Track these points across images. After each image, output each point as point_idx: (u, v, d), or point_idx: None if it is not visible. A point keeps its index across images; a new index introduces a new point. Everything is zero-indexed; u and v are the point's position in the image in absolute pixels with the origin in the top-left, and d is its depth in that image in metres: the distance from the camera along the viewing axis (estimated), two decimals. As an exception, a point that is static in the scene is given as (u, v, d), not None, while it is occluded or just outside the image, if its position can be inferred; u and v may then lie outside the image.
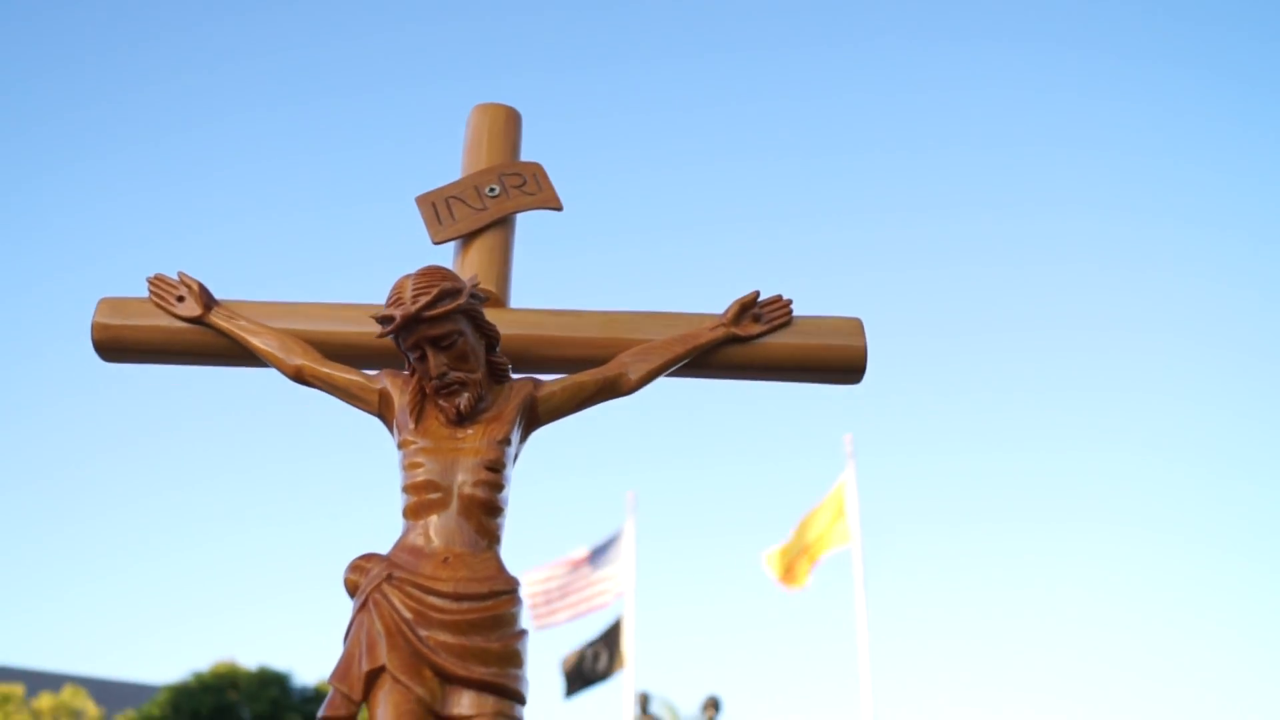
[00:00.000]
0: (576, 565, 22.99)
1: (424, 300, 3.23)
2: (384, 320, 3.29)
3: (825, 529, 20.98)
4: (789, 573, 21.28)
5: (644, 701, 23.42)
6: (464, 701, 3.00)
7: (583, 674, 23.73)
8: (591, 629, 23.60)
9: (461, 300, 3.28)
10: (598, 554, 23.20)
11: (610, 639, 23.61)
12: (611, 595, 22.87)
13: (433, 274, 3.31)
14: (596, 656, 23.61)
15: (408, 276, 3.31)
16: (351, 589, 3.21)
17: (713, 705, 22.79)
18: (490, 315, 3.65)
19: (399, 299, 3.27)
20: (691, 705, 27.88)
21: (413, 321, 3.25)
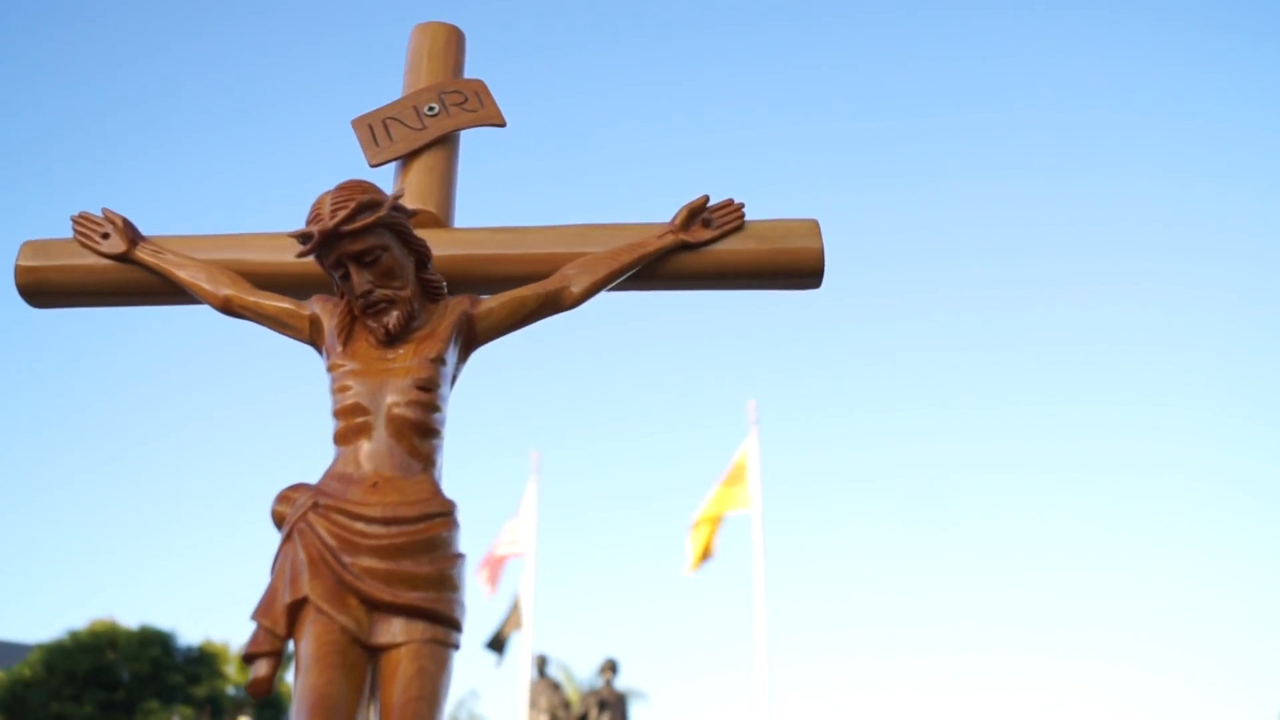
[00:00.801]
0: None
1: (342, 214, 3.06)
2: (303, 238, 3.11)
3: (724, 493, 20.83)
4: (699, 548, 21.13)
5: (541, 664, 23.47)
6: (393, 628, 2.82)
7: (499, 638, 23.77)
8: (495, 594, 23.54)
9: (382, 213, 3.10)
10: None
11: (512, 601, 23.58)
12: (519, 547, 22.80)
13: (351, 188, 3.13)
14: (505, 617, 23.64)
15: (327, 193, 3.14)
16: (278, 520, 3.05)
17: (610, 668, 22.86)
18: (430, 235, 3.48)
19: (318, 215, 3.10)
20: (589, 668, 27.84)
21: (331, 237, 3.08)
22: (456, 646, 2.89)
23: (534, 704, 22.80)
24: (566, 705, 23.14)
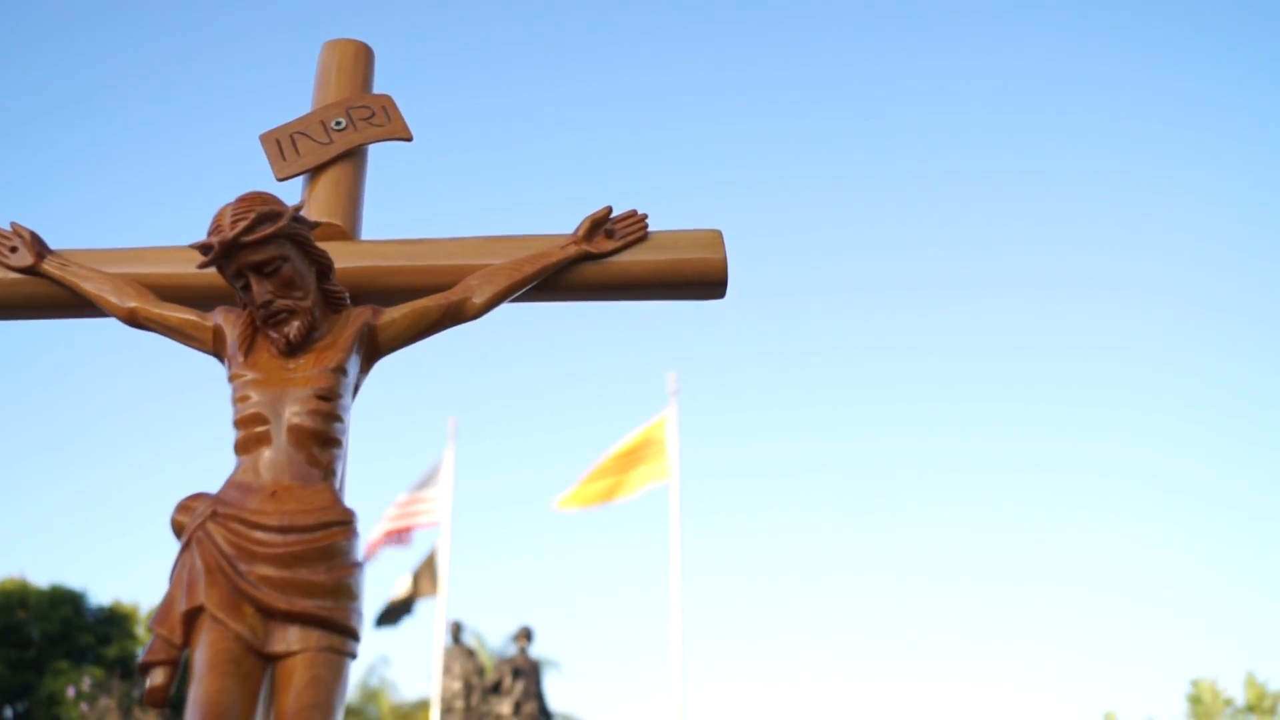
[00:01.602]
0: (404, 503, 22.84)
1: (242, 225, 3.09)
2: (203, 249, 3.14)
3: (638, 465, 20.84)
4: (576, 495, 21.08)
5: (456, 630, 23.43)
6: (289, 637, 2.83)
7: (402, 602, 23.74)
8: (408, 559, 23.45)
9: (281, 223, 3.13)
10: (419, 482, 23.06)
11: (423, 566, 23.54)
12: (434, 516, 22.75)
13: (252, 199, 3.16)
14: (413, 582, 23.61)
15: (228, 204, 3.17)
16: (178, 530, 3.05)
17: (525, 635, 22.96)
18: (335, 248, 3.51)
19: (218, 226, 3.13)
20: (504, 635, 27.79)
21: (231, 248, 3.10)
22: (353, 655, 2.90)
23: (448, 670, 22.75)
24: (480, 672, 23.12)
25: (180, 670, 2.88)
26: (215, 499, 3.01)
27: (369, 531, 21.98)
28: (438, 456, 23.34)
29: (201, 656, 2.78)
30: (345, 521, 3.01)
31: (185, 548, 2.97)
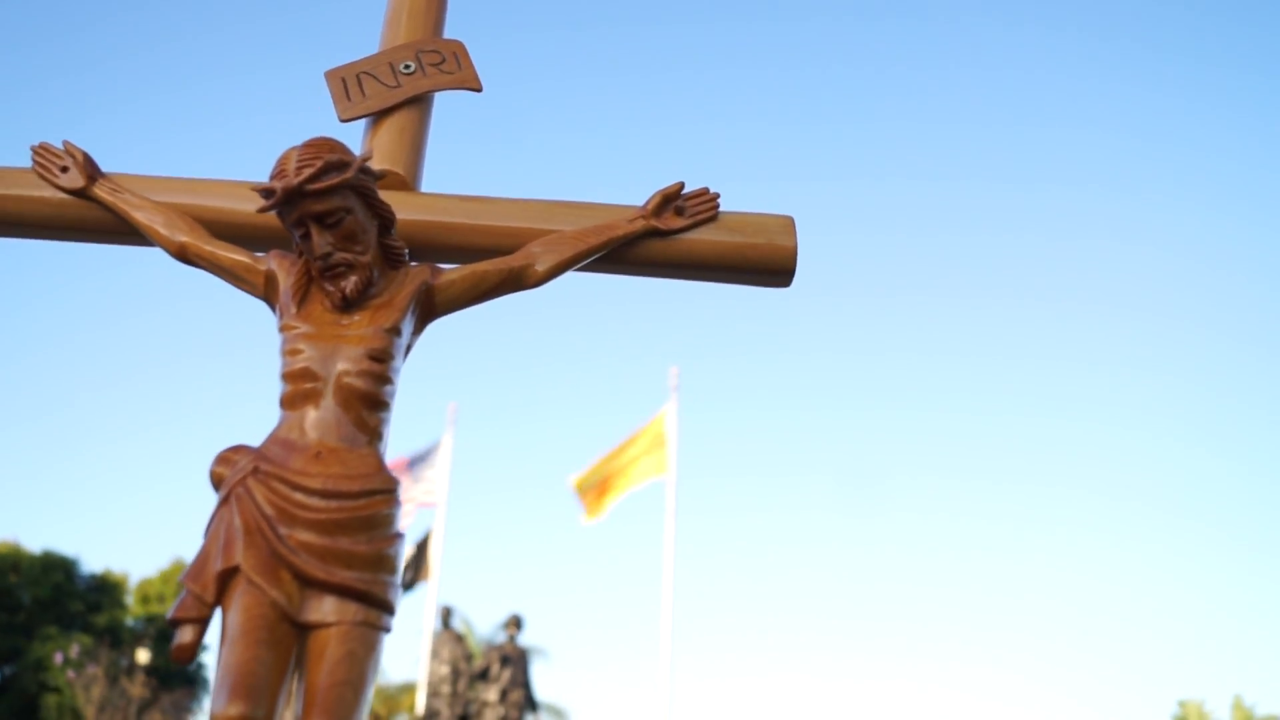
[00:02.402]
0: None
1: (308, 172, 2.97)
2: (265, 193, 3.02)
3: (640, 459, 20.84)
4: (593, 501, 21.14)
5: (446, 615, 23.49)
6: (325, 607, 2.75)
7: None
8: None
9: (349, 174, 3.02)
10: (415, 462, 23.03)
11: (418, 551, 23.56)
12: (433, 498, 22.72)
13: (320, 145, 3.04)
14: (406, 566, 23.62)
15: (294, 148, 3.05)
16: (216, 482, 2.97)
17: (515, 623, 22.94)
18: (394, 199, 3.40)
19: (282, 171, 3.01)
20: (493, 622, 27.89)
21: (295, 195, 2.99)
22: (388, 630, 2.83)
23: (436, 655, 22.82)
24: (469, 658, 23.19)
25: (208, 629, 2.80)
26: (257, 454, 2.92)
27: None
28: (435, 439, 23.29)
29: (234, 620, 2.70)
30: (389, 490, 2.92)
31: (224, 502, 2.88)
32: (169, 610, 2.81)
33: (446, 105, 3.93)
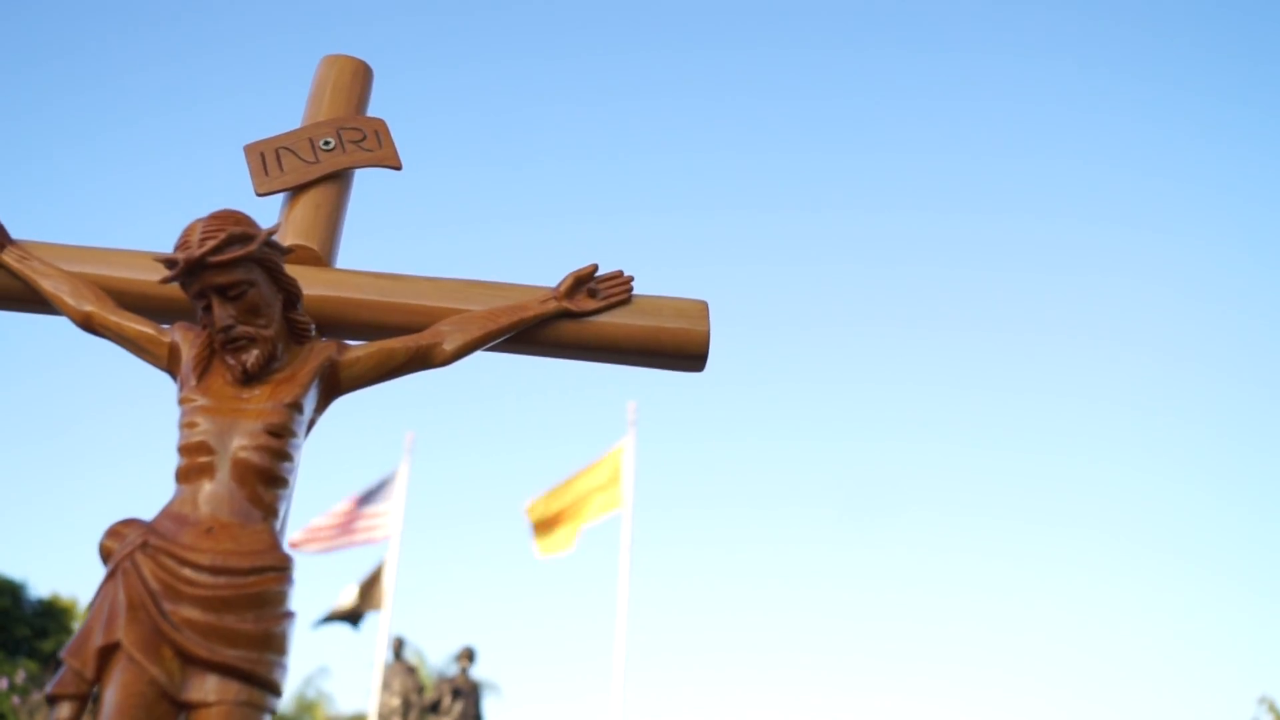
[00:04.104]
0: (345, 514, 22.60)
1: (210, 244, 2.95)
2: (168, 264, 3.00)
3: (595, 494, 20.79)
4: (549, 535, 21.03)
5: (398, 646, 23.17)
6: (207, 686, 2.68)
7: (352, 610, 23.48)
8: (359, 567, 23.27)
9: (252, 247, 2.99)
10: (368, 496, 22.86)
11: (371, 580, 23.32)
12: (384, 531, 22.53)
13: (224, 218, 3.02)
14: (361, 593, 23.37)
15: (199, 220, 3.03)
16: (105, 556, 2.90)
17: (467, 656, 22.57)
18: (307, 273, 3.39)
19: (186, 242, 2.99)
20: (446, 654, 27.57)
21: (197, 266, 2.96)
22: (272, 711, 2.76)
23: (387, 686, 22.38)
24: (420, 690, 22.73)
25: (88, 706, 2.72)
26: (148, 528, 2.86)
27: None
28: (391, 470, 23.13)
29: (111, 697, 2.63)
30: (281, 568, 2.86)
31: (110, 577, 2.82)
32: (46, 686, 2.73)
33: (367, 183, 3.93)
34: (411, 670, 23.28)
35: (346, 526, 22.34)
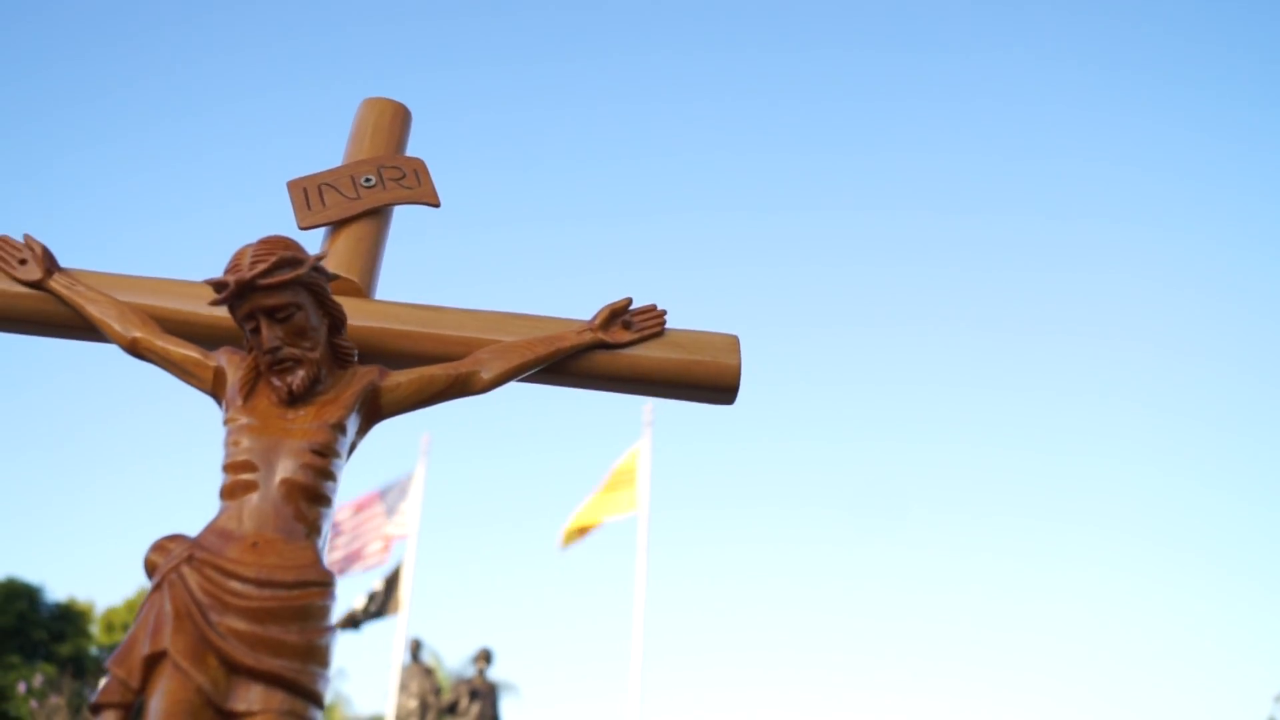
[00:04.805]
0: (363, 508, 22.48)
1: (261, 267, 3.04)
2: (218, 286, 3.08)
3: (610, 495, 20.73)
4: (568, 528, 21.01)
5: (415, 648, 23.01)
6: (251, 696, 2.73)
7: (353, 615, 23.28)
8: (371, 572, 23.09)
9: (301, 271, 3.08)
10: (386, 494, 22.76)
11: (389, 582, 23.17)
12: (400, 531, 22.41)
13: (274, 243, 3.11)
14: (372, 598, 23.17)
15: (249, 245, 3.12)
16: (150, 570, 2.96)
17: (484, 657, 22.46)
18: (349, 305, 3.47)
19: (237, 265, 3.08)
20: (463, 655, 27.34)
21: (247, 289, 3.05)
22: None
23: (404, 688, 22.24)
24: (437, 692, 22.58)
25: (133, 716, 2.77)
26: (193, 543, 2.93)
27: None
28: (407, 471, 23.11)
29: (157, 705, 2.67)
30: (324, 583, 2.92)
31: (156, 588, 2.87)
32: (91, 695, 2.78)
33: (405, 217, 4.03)
34: (429, 672, 23.22)
35: (370, 533, 22.29)
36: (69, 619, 30.28)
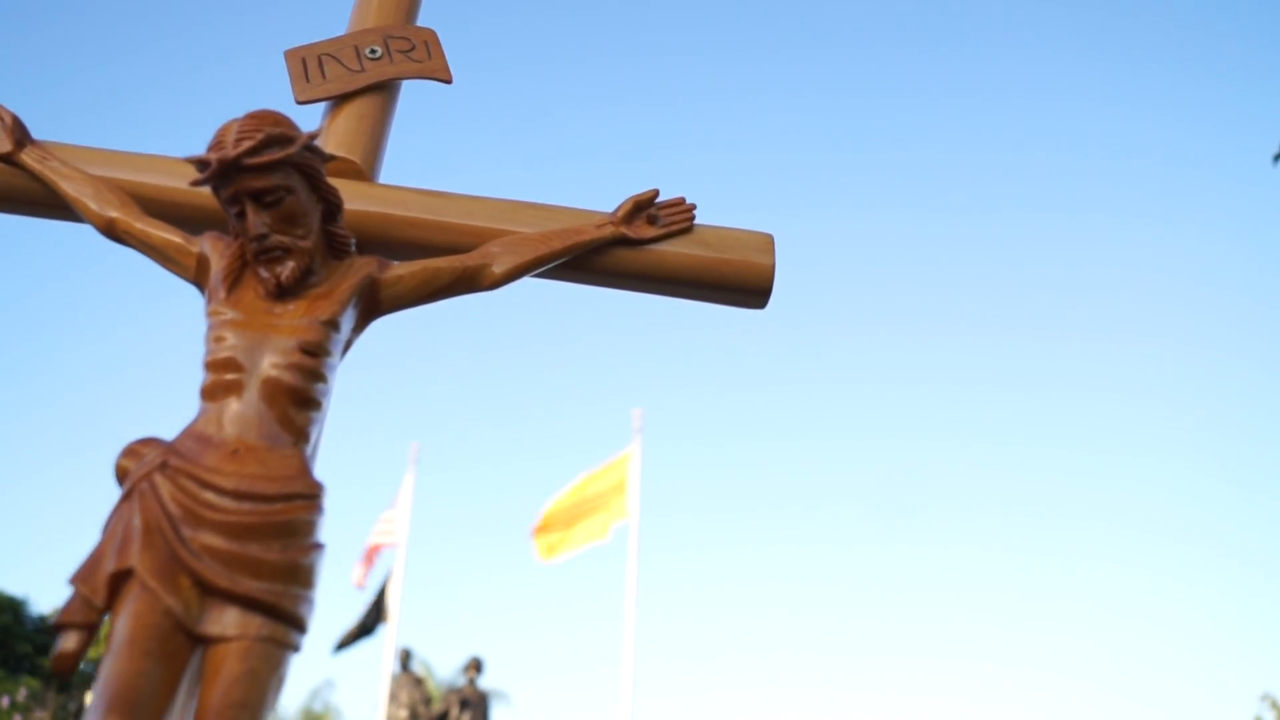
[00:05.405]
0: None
1: (247, 145, 2.72)
2: (200, 165, 2.77)
3: (600, 508, 20.57)
4: (550, 538, 20.87)
5: (405, 658, 23.06)
6: (226, 619, 2.46)
7: (353, 632, 23.35)
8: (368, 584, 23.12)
9: (292, 150, 2.76)
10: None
11: (378, 593, 23.22)
12: (391, 538, 22.44)
13: (263, 118, 2.79)
14: (365, 610, 23.23)
15: (235, 120, 2.80)
16: (121, 476, 2.69)
17: (475, 666, 22.43)
18: (348, 187, 3.16)
19: (220, 142, 2.76)
20: (454, 665, 27.52)
21: (231, 169, 2.73)
22: (296, 649, 2.54)
23: (394, 698, 22.27)
24: (428, 701, 22.62)
25: (96, 636, 2.51)
26: (168, 448, 2.65)
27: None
28: (398, 480, 23.03)
29: (122, 627, 2.41)
30: (311, 495, 2.65)
31: (125, 498, 2.60)
32: (55, 613, 2.52)
33: (413, 95, 3.70)
34: (419, 682, 23.16)
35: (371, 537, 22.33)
36: (54, 632, 30.25)
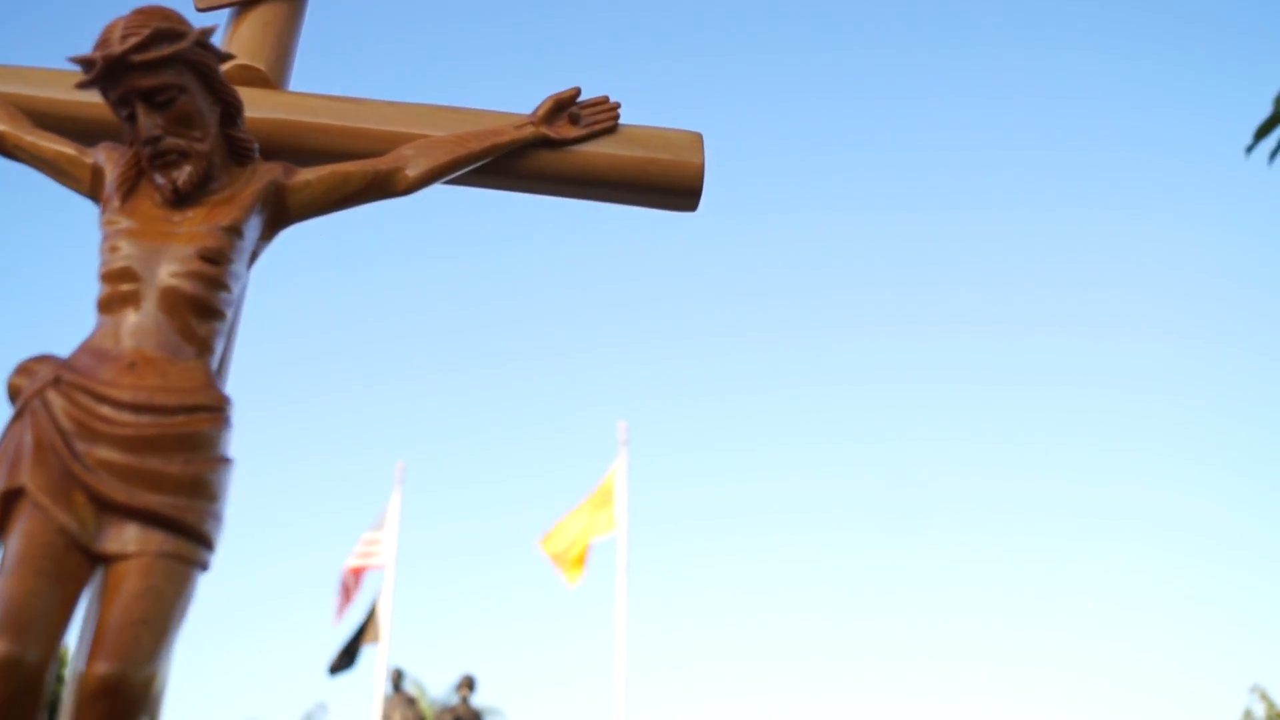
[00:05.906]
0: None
1: (133, 41, 2.56)
2: (85, 65, 2.60)
3: (592, 516, 20.49)
4: (571, 561, 20.77)
5: (397, 678, 22.79)
6: (126, 536, 2.33)
7: (345, 651, 23.12)
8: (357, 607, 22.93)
9: (182, 45, 2.61)
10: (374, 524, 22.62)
11: (367, 612, 23.02)
12: (378, 560, 22.27)
13: (150, 13, 2.63)
14: (355, 631, 22.99)
15: (121, 17, 2.63)
16: (14, 394, 2.54)
17: (467, 685, 22.36)
18: (255, 95, 3.01)
19: (106, 40, 2.60)
20: (446, 684, 27.44)
21: (118, 67, 2.57)
22: (204, 566, 2.40)
23: (387, 718, 22.12)
24: None
25: None
26: (62, 364, 2.50)
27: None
28: (386, 499, 22.75)
29: (14, 547, 2.28)
30: (215, 408, 2.51)
31: (17, 417, 2.46)
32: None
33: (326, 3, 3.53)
34: (411, 701, 22.94)
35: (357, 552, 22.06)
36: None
